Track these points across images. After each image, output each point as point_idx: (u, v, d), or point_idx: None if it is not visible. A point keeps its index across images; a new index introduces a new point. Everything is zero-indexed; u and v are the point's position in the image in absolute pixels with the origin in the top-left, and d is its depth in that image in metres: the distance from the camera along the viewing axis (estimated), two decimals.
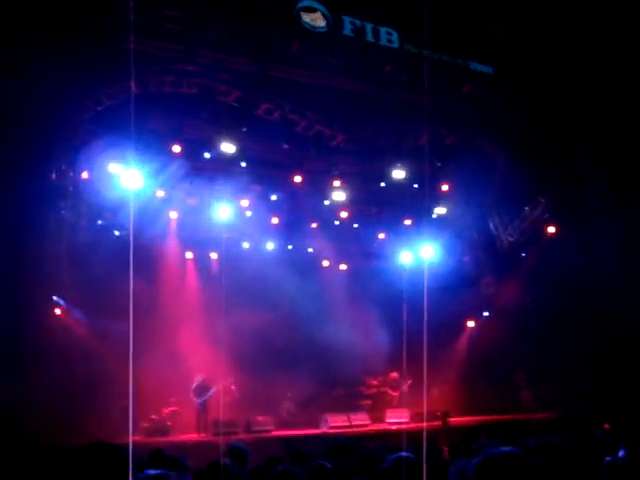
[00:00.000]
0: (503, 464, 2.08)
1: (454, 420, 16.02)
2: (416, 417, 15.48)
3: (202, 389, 15.17)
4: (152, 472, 1.83)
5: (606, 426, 9.69)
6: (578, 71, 14.26)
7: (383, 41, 13.29)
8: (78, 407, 13.23)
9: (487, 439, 9.20)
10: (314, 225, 18.14)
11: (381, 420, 16.25)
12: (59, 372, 12.68)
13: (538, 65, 14.20)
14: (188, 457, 5.80)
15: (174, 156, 14.45)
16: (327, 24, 12.64)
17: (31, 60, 11.01)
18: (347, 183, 16.88)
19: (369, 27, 13.17)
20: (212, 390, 15.19)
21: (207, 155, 14.98)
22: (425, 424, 11.29)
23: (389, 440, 12.62)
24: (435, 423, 15.05)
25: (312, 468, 4.06)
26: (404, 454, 3.17)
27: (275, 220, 17.54)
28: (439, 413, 15.27)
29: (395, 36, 13.35)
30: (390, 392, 17.91)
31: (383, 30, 13.30)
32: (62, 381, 12.65)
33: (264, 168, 16.12)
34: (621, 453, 2.96)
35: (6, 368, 11.39)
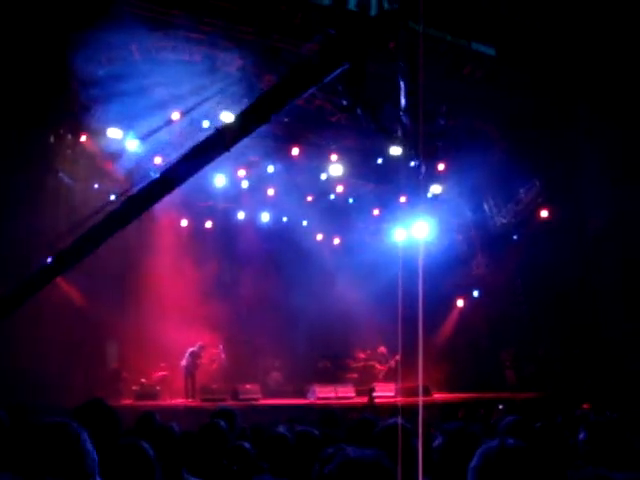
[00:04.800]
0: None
1: (437, 396, 16.27)
2: (402, 392, 15.68)
3: (196, 356, 15.38)
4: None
5: (585, 406, 9.93)
6: (578, 55, 14.24)
7: None
8: (69, 369, 13.38)
9: (464, 416, 9.44)
10: (309, 198, 18.15)
11: (367, 393, 16.44)
12: (52, 334, 12.81)
13: (540, 48, 14.16)
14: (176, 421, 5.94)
15: (173, 123, 14.41)
16: None
17: (31, 20, 10.98)
18: (344, 158, 16.89)
19: (374, 2, 13.06)
20: (201, 359, 15.48)
21: (206, 124, 14.93)
22: (421, 398, 11.46)
23: (374, 413, 12.82)
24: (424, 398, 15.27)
25: (299, 434, 4.13)
26: (398, 420, 3.14)
27: (271, 191, 17.57)
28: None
29: None
30: (377, 366, 18.12)
31: (386, 6, 13.20)
32: (54, 343, 12.79)
33: (262, 139, 16.06)
34: (582, 435, 3.04)
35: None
